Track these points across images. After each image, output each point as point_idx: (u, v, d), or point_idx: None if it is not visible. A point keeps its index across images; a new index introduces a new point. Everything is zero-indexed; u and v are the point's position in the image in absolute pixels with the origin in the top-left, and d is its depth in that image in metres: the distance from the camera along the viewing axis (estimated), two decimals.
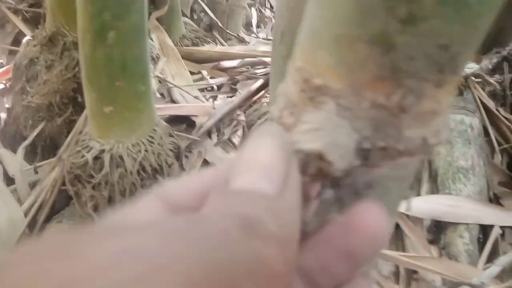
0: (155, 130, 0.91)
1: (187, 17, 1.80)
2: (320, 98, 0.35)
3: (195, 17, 2.44)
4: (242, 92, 1.24)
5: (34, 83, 1.07)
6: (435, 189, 1.01)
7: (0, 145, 1.09)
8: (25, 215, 0.95)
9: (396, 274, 0.87)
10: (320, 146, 0.29)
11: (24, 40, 1.24)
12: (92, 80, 0.83)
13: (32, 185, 1.01)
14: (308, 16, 0.35)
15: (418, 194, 1.03)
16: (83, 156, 0.87)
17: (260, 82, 1.22)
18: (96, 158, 0.86)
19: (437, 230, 0.94)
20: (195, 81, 1.31)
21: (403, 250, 0.90)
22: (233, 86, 1.33)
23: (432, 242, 0.94)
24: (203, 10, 2.21)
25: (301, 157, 0.30)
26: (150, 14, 1.63)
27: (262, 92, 1.19)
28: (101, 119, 0.87)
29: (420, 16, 0.31)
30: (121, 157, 0.86)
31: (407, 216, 0.94)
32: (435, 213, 0.93)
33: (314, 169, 0.29)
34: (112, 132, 0.87)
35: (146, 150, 0.88)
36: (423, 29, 0.31)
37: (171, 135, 0.99)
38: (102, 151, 0.86)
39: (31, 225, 0.95)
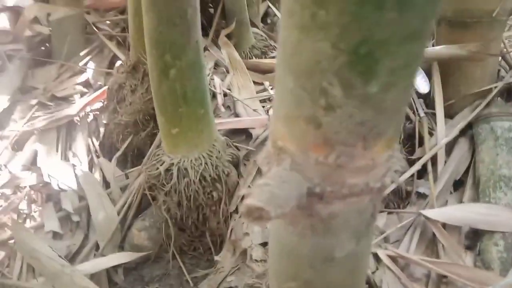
0: (214, 145, 1.08)
1: (257, 27, 1.94)
2: (282, 155, 0.48)
3: (269, 21, 2.58)
4: None
5: (123, 104, 1.30)
6: (476, 197, 1.04)
7: (100, 154, 1.35)
8: (118, 213, 1.19)
9: (427, 277, 0.94)
10: (259, 201, 0.42)
11: (117, 64, 1.49)
12: (161, 108, 1.02)
13: (123, 189, 1.25)
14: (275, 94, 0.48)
15: (461, 201, 1.07)
16: (157, 168, 1.07)
17: None
18: (167, 170, 1.06)
19: (474, 237, 0.99)
20: (258, 92, 1.46)
21: (437, 256, 0.97)
22: None
23: (468, 248, 0.99)
24: (276, 15, 2.35)
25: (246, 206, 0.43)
26: (222, 29, 1.81)
27: None
28: (170, 139, 1.06)
29: (335, 105, 0.42)
30: (186, 169, 1.04)
31: (444, 224, 0.99)
32: (472, 221, 0.98)
33: (256, 215, 0.42)
34: (179, 149, 1.06)
35: (206, 163, 1.05)
36: (340, 113, 0.43)
37: (229, 146, 1.16)
38: (172, 164, 1.05)
39: (122, 222, 1.19)
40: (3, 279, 1.08)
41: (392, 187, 1.10)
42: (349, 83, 0.42)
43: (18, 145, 1.31)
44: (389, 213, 1.11)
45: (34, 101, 1.40)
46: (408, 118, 1.22)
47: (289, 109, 0.47)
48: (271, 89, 1.49)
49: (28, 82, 1.51)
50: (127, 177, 1.29)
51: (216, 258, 1.09)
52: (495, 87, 1.17)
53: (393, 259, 0.95)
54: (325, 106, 0.44)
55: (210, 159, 1.06)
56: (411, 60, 0.41)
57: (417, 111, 1.23)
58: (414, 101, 1.27)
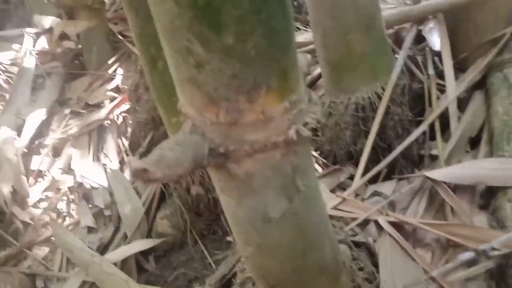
0: None
1: None
2: (186, 120, 0.50)
3: (295, 3, 2.54)
4: None
5: (141, 103, 1.38)
6: (489, 152, 0.96)
7: (130, 153, 1.44)
8: (143, 205, 1.26)
9: (437, 242, 0.89)
10: (144, 163, 0.44)
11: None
12: (158, 99, 1.07)
13: None
14: None
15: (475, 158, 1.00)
16: None
17: None
18: None
19: (488, 195, 0.91)
20: None
21: (446, 219, 0.91)
22: None
23: (482, 208, 0.92)
24: None
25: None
26: None
27: None
28: (172, 129, 1.11)
29: (203, 62, 0.43)
30: None
31: (455, 185, 0.93)
32: (482, 178, 0.91)
33: (143, 176, 0.44)
34: None
35: None
36: (209, 69, 0.44)
37: None
38: None
39: (148, 213, 1.26)
40: (47, 271, 1.21)
41: (398, 150, 1.05)
42: (204, 37, 0.42)
43: (56, 152, 1.45)
44: (400, 179, 1.07)
45: (68, 111, 1.54)
46: (416, 78, 1.16)
47: (175, 73, 0.49)
48: None
49: (65, 94, 1.65)
50: None
51: (229, 239, 1.13)
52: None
53: (396, 226, 0.92)
54: (195, 64, 0.45)
55: None
56: (259, 5, 0.41)
57: (426, 69, 1.16)
58: (425, 58, 1.20)
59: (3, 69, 1.72)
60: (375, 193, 1.02)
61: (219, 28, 0.40)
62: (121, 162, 1.43)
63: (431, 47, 1.24)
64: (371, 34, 1.08)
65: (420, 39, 1.30)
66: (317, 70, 1.35)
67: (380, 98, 1.09)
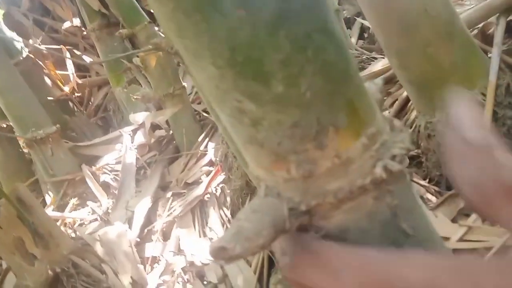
0: None
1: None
2: (260, 183, 0.47)
3: (366, 35, 2.47)
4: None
5: (232, 171, 1.39)
6: None
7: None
8: (254, 272, 1.23)
9: None
10: (222, 241, 0.40)
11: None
12: (242, 163, 1.06)
13: None
14: None
15: None
16: None
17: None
18: None
19: None
20: None
21: None
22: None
23: None
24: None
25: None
26: None
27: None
28: None
29: (258, 119, 0.39)
30: None
31: None
32: None
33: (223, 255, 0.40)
34: None
35: None
36: (267, 124, 0.40)
37: None
38: None
39: (260, 280, 1.22)
40: None
41: None
42: (253, 92, 0.39)
43: (166, 235, 1.50)
44: None
45: (169, 194, 1.60)
46: None
47: (236, 138, 0.45)
48: None
49: (165, 179, 1.74)
50: None
51: None
52: None
53: None
54: (251, 123, 0.42)
55: None
56: (302, 42, 0.37)
57: None
58: None
59: (110, 169, 1.88)
60: None
61: (266, 78, 0.37)
62: None
63: None
64: (453, 40, 0.98)
65: (508, 34, 1.16)
66: (404, 93, 1.26)
67: (483, 105, 0.97)
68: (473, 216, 0.88)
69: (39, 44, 2.77)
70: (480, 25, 1.11)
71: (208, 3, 0.35)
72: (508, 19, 1.11)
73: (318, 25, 0.38)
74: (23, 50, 2.50)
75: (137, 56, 1.68)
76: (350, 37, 2.19)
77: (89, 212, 1.71)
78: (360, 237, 0.46)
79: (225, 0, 0.35)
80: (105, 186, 1.82)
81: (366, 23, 2.10)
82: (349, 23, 2.49)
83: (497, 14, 1.06)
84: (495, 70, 0.98)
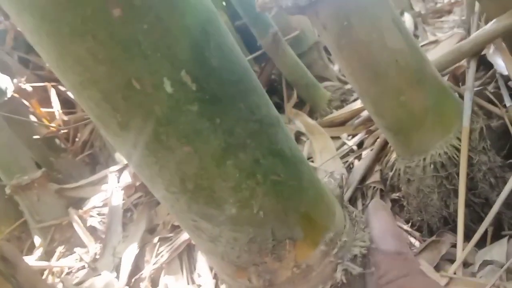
0: None
1: (329, 79, 1.91)
2: (226, 285, 0.47)
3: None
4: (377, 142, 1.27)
5: None
6: None
7: None
8: None
9: None
10: None
11: None
12: None
13: None
14: None
15: None
16: None
17: None
18: None
19: None
20: (338, 148, 1.40)
21: None
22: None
23: None
24: None
25: None
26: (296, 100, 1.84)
27: None
28: None
29: (215, 236, 0.40)
30: None
31: None
32: None
33: None
34: None
35: None
36: (224, 241, 0.40)
37: None
38: None
39: None
40: None
41: (498, 204, 0.91)
42: (207, 215, 0.39)
43: (154, 282, 1.48)
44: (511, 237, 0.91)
45: (156, 239, 1.59)
46: (493, 114, 1.03)
47: (198, 247, 0.46)
48: (350, 139, 1.42)
49: (153, 221, 1.73)
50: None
51: None
52: None
53: None
54: (209, 239, 0.42)
55: None
56: (251, 169, 0.37)
57: (502, 101, 1.02)
58: (497, 87, 1.07)
59: (97, 212, 1.87)
60: (486, 263, 0.87)
61: (218, 203, 0.37)
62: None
63: (500, 72, 1.11)
64: (424, 87, 1.00)
65: (483, 67, 1.18)
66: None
67: (458, 150, 0.98)
68: (453, 266, 0.88)
69: (24, 83, 2.77)
70: (452, 68, 1.13)
71: (154, 140, 0.36)
72: (482, 53, 1.13)
73: (266, 149, 0.39)
74: (7, 90, 2.50)
75: None
76: (333, 65, 2.22)
77: (77, 259, 1.69)
78: None
79: (170, 139, 0.35)
80: (92, 230, 1.80)
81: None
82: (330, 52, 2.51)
83: (468, 58, 1.08)
84: (468, 115, 0.99)
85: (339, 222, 0.44)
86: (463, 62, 1.11)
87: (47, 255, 1.79)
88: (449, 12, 2.98)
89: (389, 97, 1.00)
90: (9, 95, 2.48)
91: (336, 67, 2.35)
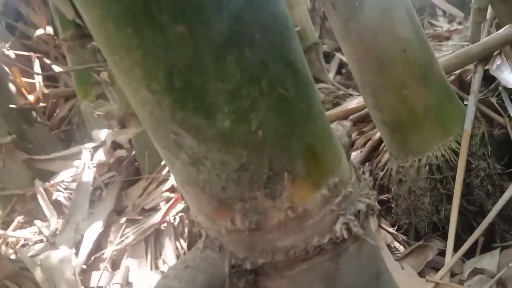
0: None
1: (324, 82, 1.86)
2: (200, 231, 0.39)
3: (344, 71, 2.47)
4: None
5: None
6: None
7: None
8: None
9: None
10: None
11: None
12: None
13: None
14: None
15: None
16: None
17: None
18: None
19: None
20: None
21: None
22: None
23: None
24: None
25: None
26: None
27: None
28: None
29: (199, 157, 0.33)
30: None
31: None
32: None
33: None
34: None
35: None
36: (210, 164, 0.33)
37: None
38: None
39: None
40: None
41: (494, 212, 0.85)
42: (193, 126, 0.32)
43: (115, 264, 1.38)
44: (503, 248, 0.86)
45: (124, 220, 1.50)
46: (496, 123, 0.98)
47: (174, 174, 0.38)
48: None
49: (122, 202, 1.63)
50: None
51: None
52: None
53: None
54: (191, 161, 0.35)
55: None
56: (256, 72, 0.30)
57: (505, 111, 0.98)
58: (500, 99, 1.03)
59: (65, 186, 1.76)
60: (476, 271, 0.81)
61: (209, 111, 0.30)
62: None
63: (504, 85, 1.07)
64: (429, 84, 0.95)
65: (488, 80, 1.14)
66: (377, 134, 1.21)
67: (456, 154, 0.93)
68: (441, 272, 0.82)
69: (8, 49, 2.65)
70: (458, 72, 1.08)
71: (141, 14, 0.28)
72: (486, 67, 1.09)
73: (277, 53, 0.32)
74: None
75: (105, 71, 1.60)
76: (328, 71, 2.17)
77: (35, 232, 1.58)
78: None
79: (162, 13, 0.28)
80: (57, 205, 1.69)
81: (344, 58, 2.08)
82: (328, 57, 2.48)
83: (475, 62, 1.04)
84: (471, 119, 0.95)
85: (344, 170, 0.38)
86: (470, 67, 1.07)
87: (4, 225, 1.67)
88: (448, 38, 3.00)
89: (391, 90, 0.95)
90: None
91: (331, 74, 2.32)
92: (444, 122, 0.96)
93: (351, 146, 0.41)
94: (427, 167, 0.95)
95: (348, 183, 0.37)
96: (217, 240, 0.37)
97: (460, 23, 3.45)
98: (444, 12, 3.75)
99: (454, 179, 0.92)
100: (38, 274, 1.27)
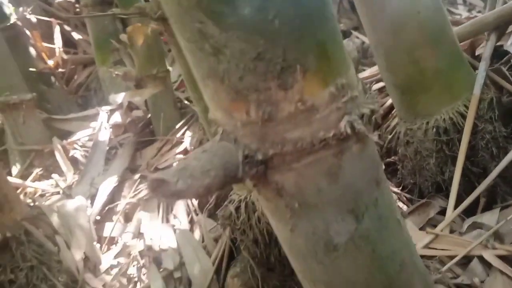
0: None
1: None
2: (217, 129, 0.43)
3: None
4: None
5: None
6: None
7: (199, 212, 1.39)
8: (213, 264, 1.18)
9: None
10: (163, 174, 0.36)
11: None
12: None
13: (218, 239, 1.25)
14: None
15: None
16: (228, 208, 1.05)
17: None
18: (237, 208, 1.03)
19: None
20: None
21: None
22: None
23: None
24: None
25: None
26: None
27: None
28: None
29: (220, 46, 0.36)
30: (253, 203, 1.00)
31: None
32: None
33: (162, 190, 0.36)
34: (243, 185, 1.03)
35: None
36: (229, 53, 0.37)
37: None
38: (240, 200, 1.02)
39: (218, 272, 1.17)
40: None
41: (495, 173, 0.88)
42: (216, 13, 0.35)
43: (128, 217, 1.44)
44: (503, 208, 0.88)
45: (137, 176, 1.55)
46: (505, 91, 1.00)
47: (196, 73, 0.42)
48: None
49: (136, 162, 1.68)
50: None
51: None
52: None
53: (508, 261, 0.73)
54: (212, 50, 0.38)
55: None
56: None
57: None
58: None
59: (81, 144, 1.82)
60: (475, 225, 0.84)
61: None
62: (191, 222, 1.38)
63: None
64: (442, 48, 0.97)
65: (501, 56, 1.15)
66: (389, 101, 1.24)
67: (464, 117, 0.95)
68: (441, 225, 0.86)
69: (30, 13, 2.71)
70: (471, 40, 1.10)
71: None
72: (500, 43, 1.11)
73: None
74: (11, 16, 2.44)
75: (125, 33, 1.64)
76: None
77: (52, 184, 1.64)
78: (316, 198, 0.43)
79: None
80: (74, 161, 1.75)
81: (361, 37, 2.09)
82: (345, 36, 2.49)
83: (488, 32, 1.06)
84: (480, 84, 0.97)
85: (352, 77, 0.41)
86: (483, 36, 1.08)
87: (23, 178, 1.73)
88: None
89: (404, 51, 0.97)
90: (12, 20, 2.42)
91: None
92: (454, 87, 0.99)
93: (359, 62, 0.44)
94: (434, 129, 0.98)
95: (354, 88, 0.41)
96: (232, 134, 0.40)
97: (479, 12, 3.41)
98: (464, 0, 3.71)
99: (460, 142, 0.95)
100: (54, 220, 1.33)
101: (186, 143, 1.68)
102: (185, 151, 1.66)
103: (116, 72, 1.62)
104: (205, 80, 0.40)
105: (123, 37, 1.64)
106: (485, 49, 1.03)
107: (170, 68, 1.77)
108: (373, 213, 0.45)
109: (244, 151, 0.40)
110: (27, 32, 2.55)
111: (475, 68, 1.05)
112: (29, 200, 1.54)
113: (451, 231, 0.89)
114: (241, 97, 0.38)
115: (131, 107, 1.83)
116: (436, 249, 0.81)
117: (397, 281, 0.49)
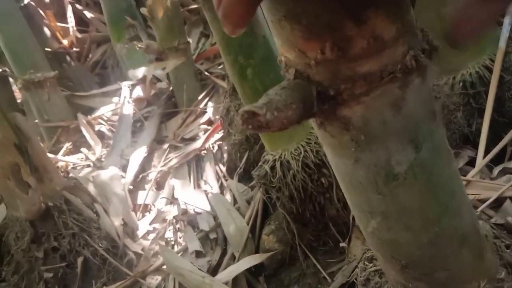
0: (311, 133, 1.07)
1: None
2: (289, 70, 0.47)
3: None
4: None
5: (233, 125, 1.39)
6: None
7: (228, 177, 1.44)
8: (247, 223, 1.24)
9: None
10: (252, 107, 0.41)
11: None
12: None
13: (250, 201, 1.30)
14: None
15: None
16: (263, 168, 1.09)
17: None
18: (272, 167, 1.08)
19: None
20: None
21: None
22: None
23: None
24: None
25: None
26: None
27: None
28: (267, 138, 1.08)
29: None
30: (288, 161, 1.05)
31: None
32: None
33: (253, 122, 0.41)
34: (278, 145, 1.07)
35: (305, 151, 1.04)
36: None
37: None
38: (274, 160, 1.07)
39: (253, 231, 1.23)
40: None
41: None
42: None
43: (159, 185, 1.50)
44: None
45: (166, 146, 1.60)
46: None
47: (271, 14, 0.46)
48: None
49: (162, 133, 1.73)
50: (252, 189, 1.34)
51: (342, 245, 1.04)
52: None
53: None
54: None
55: (309, 146, 1.04)
56: None
57: None
58: None
59: (106, 119, 1.87)
60: (505, 171, 0.89)
61: None
62: (221, 187, 1.43)
63: None
64: None
65: None
66: None
67: (490, 71, 0.98)
68: (472, 172, 0.90)
69: None
70: None
71: None
72: None
73: None
74: None
75: (145, 7, 1.66)
76: None
77: (82, 158, 1.70)
78: (381, 129, 0.47)
79: None
80: (100, 136, 1.81)
81: None
82: None
83: None
84: (505, 37, 1.00)
85: (412, 17, 0.45)
86: None
87: (52, 154, 1.79)
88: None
89: (430, 7, 0.99)
90: (26, 1, 2.45)
91: None
92: (479, 42, 1.01)
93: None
94: (461, 84, 1.01)
95: (416, 27, 0.44)
96: (305, 73, 0.44)
97: None
98: None
99: (486, 94, 0.98)
100: (91, 189, 1.39)
101: (209, 113, 1.73)
102: (209, 121, 1.71)
103: (139, 45, 1.66)
104: (281, 22, 0.43)
105: (143, 10, 1.66)
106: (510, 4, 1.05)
107: (189, 40, 1.80)
108: (430, 143, 0.49)
109: (317, 87, 0.44)
110: (41, 11, 2.58)
111: (499, 23, 1.07)
112: (62, 174, 1.60)
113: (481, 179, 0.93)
114: (317, 36, 0.42)
115: (152, 81, 1.88)
116: (469, 194, 0.85)
117: (449, 208, 0.54)
